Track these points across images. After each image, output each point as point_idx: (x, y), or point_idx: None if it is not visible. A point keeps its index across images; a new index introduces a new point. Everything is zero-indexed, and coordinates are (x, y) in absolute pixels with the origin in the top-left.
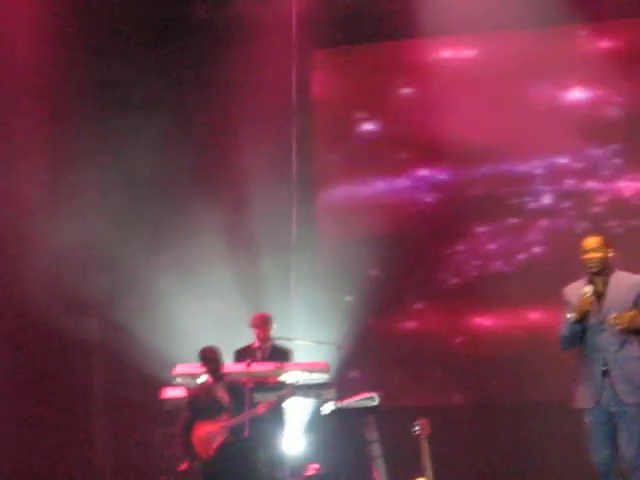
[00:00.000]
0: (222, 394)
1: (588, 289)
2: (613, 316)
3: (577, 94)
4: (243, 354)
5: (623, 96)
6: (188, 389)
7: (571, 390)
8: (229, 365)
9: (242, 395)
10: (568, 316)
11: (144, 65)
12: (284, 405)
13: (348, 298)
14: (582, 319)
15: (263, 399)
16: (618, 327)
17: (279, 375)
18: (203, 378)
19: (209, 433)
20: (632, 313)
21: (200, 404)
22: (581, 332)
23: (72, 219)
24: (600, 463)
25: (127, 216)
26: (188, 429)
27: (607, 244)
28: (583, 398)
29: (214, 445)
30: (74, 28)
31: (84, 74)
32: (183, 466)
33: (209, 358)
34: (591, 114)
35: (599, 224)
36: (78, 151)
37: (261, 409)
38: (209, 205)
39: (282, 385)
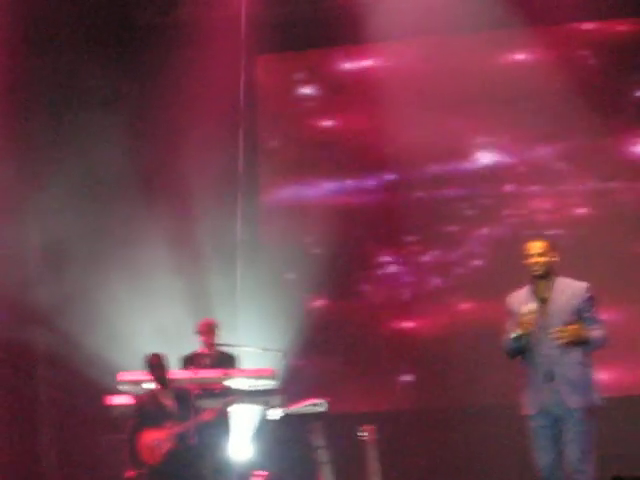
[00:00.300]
0: (168, 401)
1: (532, 307)
2: (556, 330)
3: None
4: (189, 361)
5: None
6: (134, 396)
7: (519, 396)
8: (176, 372)
9: (188, 402)
10: (512, 335)
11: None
12: (230, 412)
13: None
14: (525, 335)
15: (209, 406)
16: (561, 341)
17: (225, 381)
18: (148, 385)
19: (156, 440)
20: (575, 326)
21: (147, 411)
22: (524, 347)
23: (17, 228)
24: (544, 467)
25: (72, 224)
26: (135, 436)
27: (551, 248)
28: (528, 404)
29: (161, 452)
30: (34, 30)
31: (44, 74)
32: (130, 473)
33: (155, 365)
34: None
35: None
36: (23, 162)
37: (207, 416)
38: (154, 211)
39: (228, 391)
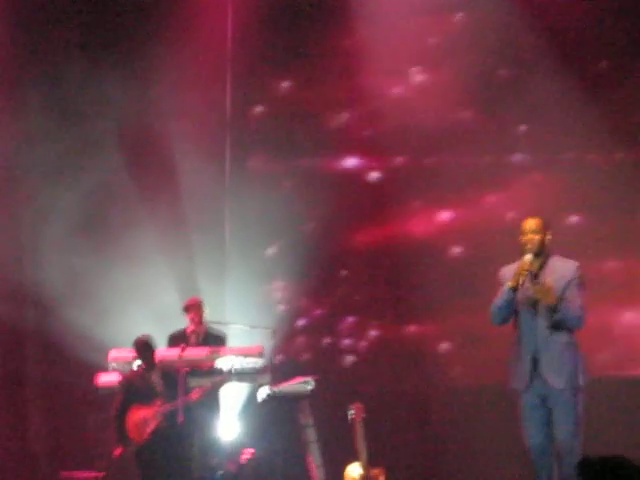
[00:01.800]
0: (156, 379)
1: (528, 257)
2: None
3: None
4: (177, 339)
5: None
6: (122, 374)
7: (506, 371)
8: (163, 350)
9: (176, 380)
10: (507, 285)
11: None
12: (219, 390)
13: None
14: (517, 287)
15: (198, 384)
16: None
17: (213, 360)
18: (138, 363)
19: (143, 418)
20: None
21: (134, 389)
22: (513, 308)
23: (7, 210)
24: (534, 447)
25: (60, 205)
26: (122, 414)
27: (546, 226)
28: (515, 379)
29: (148, 430)
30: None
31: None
32: (117, 451)
33: (142, 347)
34: None
35: None
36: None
37: (195, 395)
38: (141, 191)
39: (216, 370)
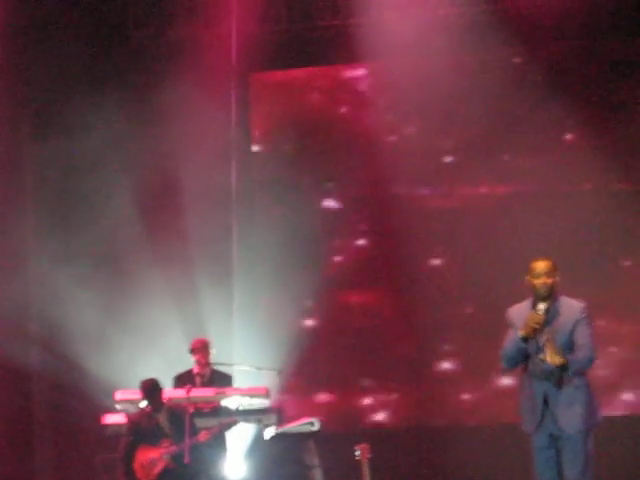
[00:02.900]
0: (164, 420)
1: (541, 306)
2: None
3: None
4: (183, 379)
5: None
6: (129, 415)
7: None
8: (169, 391)
9: (184, 422)
10: (519, 334)
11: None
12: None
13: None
14: (529, 336)
15: (206, 426)
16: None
17: (219, 400)
18: (144, 403)
19: (150, 459)
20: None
21: (142, 430)
22: (525, 354)
23: (13, 247)
24: None
25: (68, 246)
26: (129, 455)
27: (556, 268)
28: (526, 421)
29: (155, 471)
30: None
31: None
32: None
33: (150, 389)
34: None
35: None
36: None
37: (203, 437)
38: (150, 234)
39: (223, 411)
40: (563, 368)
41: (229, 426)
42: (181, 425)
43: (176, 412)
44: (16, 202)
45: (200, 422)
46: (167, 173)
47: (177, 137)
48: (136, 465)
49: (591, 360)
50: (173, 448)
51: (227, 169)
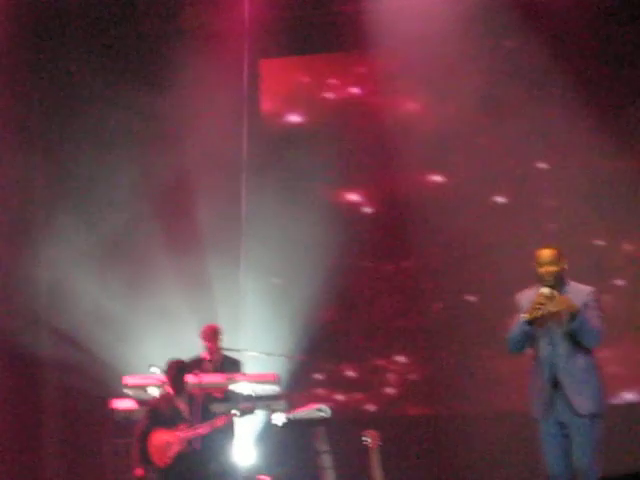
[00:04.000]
0: (183, 405)
1: (545, 290)
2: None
3: None
4: (193, 366)
5: None
6: (139, 400)
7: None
8: None
9: (201, 407)
10: (522, 316)
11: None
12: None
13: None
14: (534, 321)
15: (223, 411)
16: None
17: (229, 386)
18: (153, 389)
19: (166, 442)
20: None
21: (160, 413)
22: (530, 337)
23: (21, 236)
24: (555, 475)
25: (80, 233)
26: (145, 436)
27: (561, 256)
28: (535, 408)
29: (170, 454)
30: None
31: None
32: (139, 472)
33: (175, 371)
34: None
35: None
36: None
37: (220, 422)
38: (161, 221)
39: (238, 397)
40: (572, 316)
41: (245, 413)
42: (199, 410)
43: (194, 397)
44: (28, 186)
45: (218, 408)
46: (178, 160)
47: (188, 122)
48: (151, 447)
49: (599, 334)
50: (190, 433)
51: (238, 155)
